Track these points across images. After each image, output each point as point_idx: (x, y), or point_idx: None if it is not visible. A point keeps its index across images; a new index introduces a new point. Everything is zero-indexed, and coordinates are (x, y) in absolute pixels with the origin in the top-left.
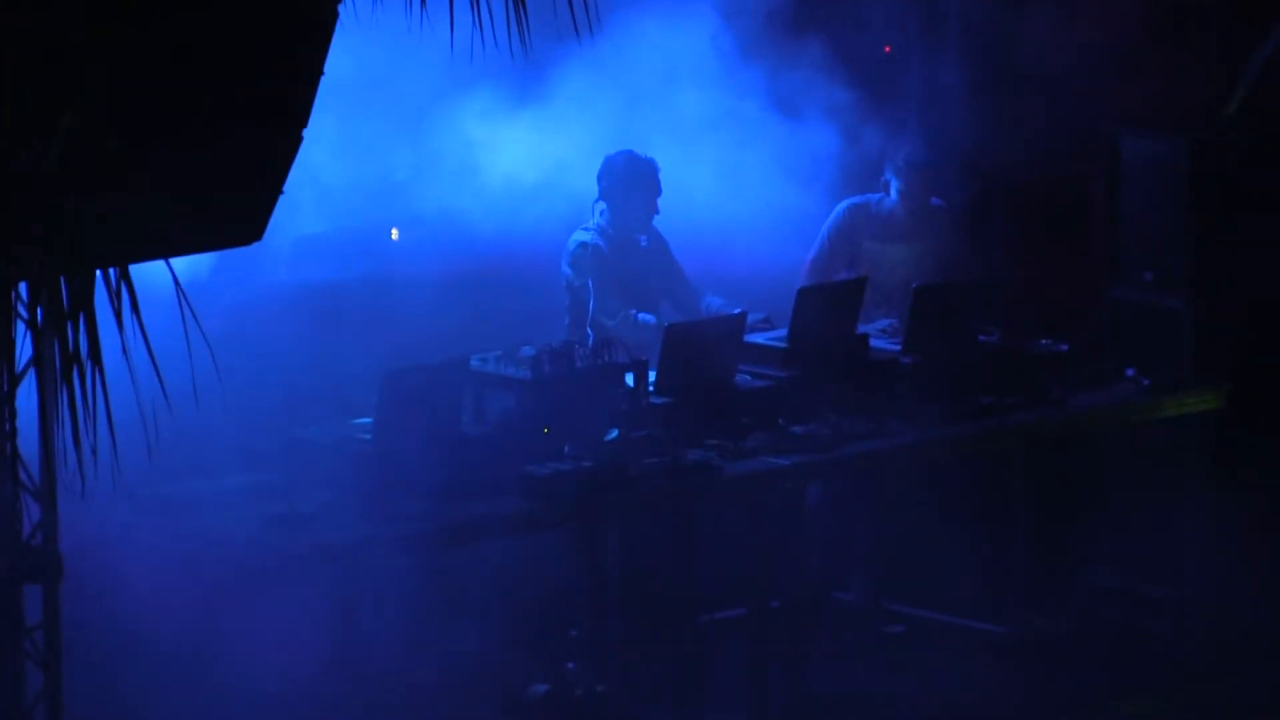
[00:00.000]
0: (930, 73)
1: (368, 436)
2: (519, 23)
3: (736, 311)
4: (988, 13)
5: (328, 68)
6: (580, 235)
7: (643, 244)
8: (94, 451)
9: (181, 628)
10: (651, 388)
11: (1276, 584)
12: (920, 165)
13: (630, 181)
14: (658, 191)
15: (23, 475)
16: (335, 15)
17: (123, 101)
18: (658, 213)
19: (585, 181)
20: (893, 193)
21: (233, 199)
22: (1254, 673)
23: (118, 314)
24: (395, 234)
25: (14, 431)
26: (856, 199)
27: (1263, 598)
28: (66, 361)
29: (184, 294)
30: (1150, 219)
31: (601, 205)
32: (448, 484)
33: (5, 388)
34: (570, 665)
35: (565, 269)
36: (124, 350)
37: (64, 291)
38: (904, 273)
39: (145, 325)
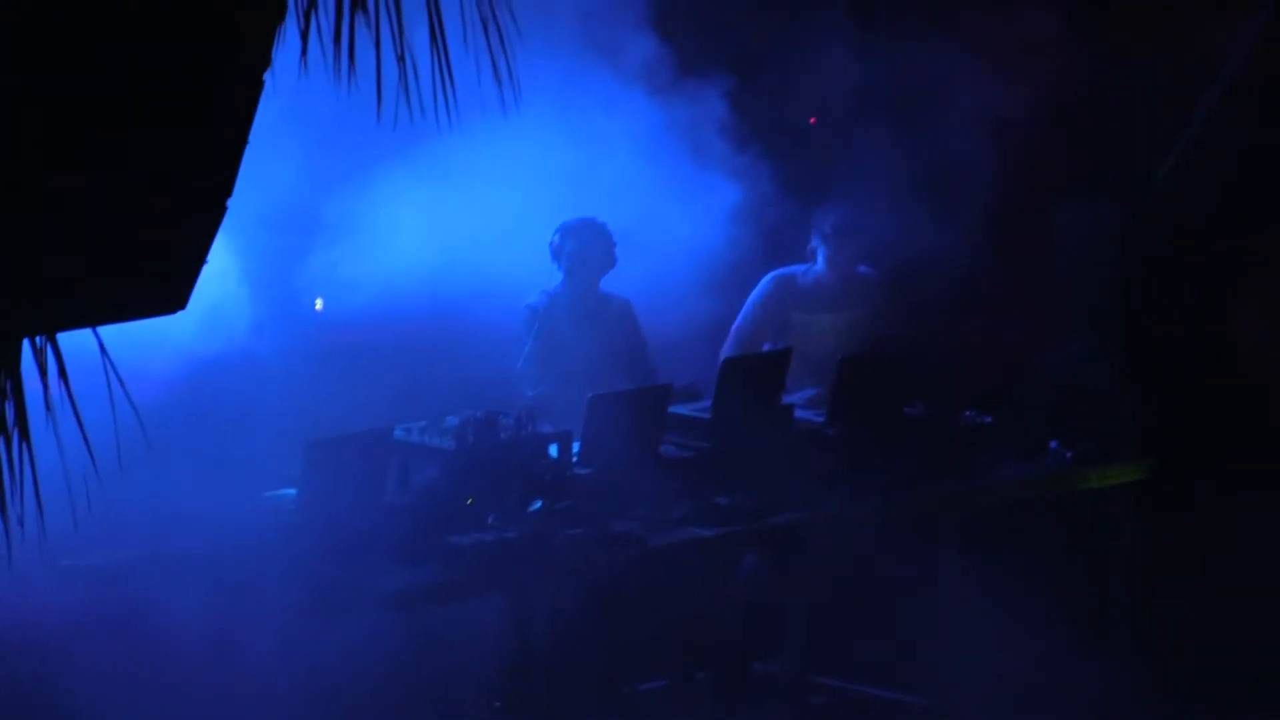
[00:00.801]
0: (858, 142)
1: (293, 506)
2: (445, 94)
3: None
4: (917, 82)
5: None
6: (529, 298)
7: (603, 311)
8: (20, 522)
9: (107, 699)
10: (575, 458)
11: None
12: (848, 232)
13: (579, 246)
14: (610, 255)
15: None
16: (261, 85)
17: (43, 168)
18: (612, 266)
19: (497, 255)
20: (820, 261)
21: (156, 269)
22: None
23: (44, 381)
24: (319, 304)
25: None
26: (782, 270)
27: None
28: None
29: (110, 362)
30: (1080, 289)
31: (556, 269)
32: (372, 553)
33: None
34: None
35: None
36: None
37: None
38: (831, 342)
39: (78, 392)
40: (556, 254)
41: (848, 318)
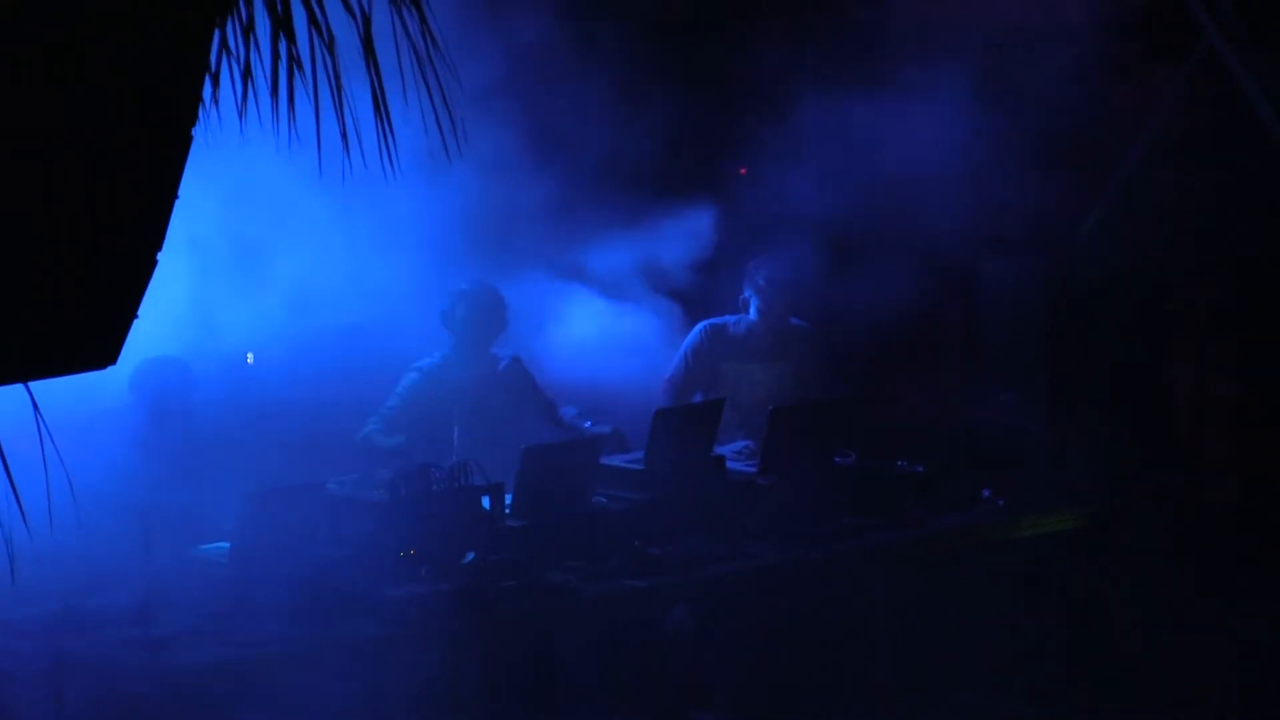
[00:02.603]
0: (789, 195)
1: (224, 560)
2: (387, 145)
3: (589, 424)
4: (846, 137)
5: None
6: (419, 362)
7: (492, 375)
8: None
9: None
10: (508, 510)
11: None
12: (780, 284)
13: (472, 311)
14: (502, 318)
15: None
16: (190, 139)
17: None
18: (504, 329)
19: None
20: (752, 311)
21: (87, 323)
22: None
23: None
24: (250, 358)
25: None
26: (715, 320)
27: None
28: None
29: (41, 417)
30: (1009, 340)
31: (448, 334)
32: (305, 606)
33: None
34: None
35: None
36: None
37: None
38: (763, 393)
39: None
40: (448, 319)
41: (779, 369)
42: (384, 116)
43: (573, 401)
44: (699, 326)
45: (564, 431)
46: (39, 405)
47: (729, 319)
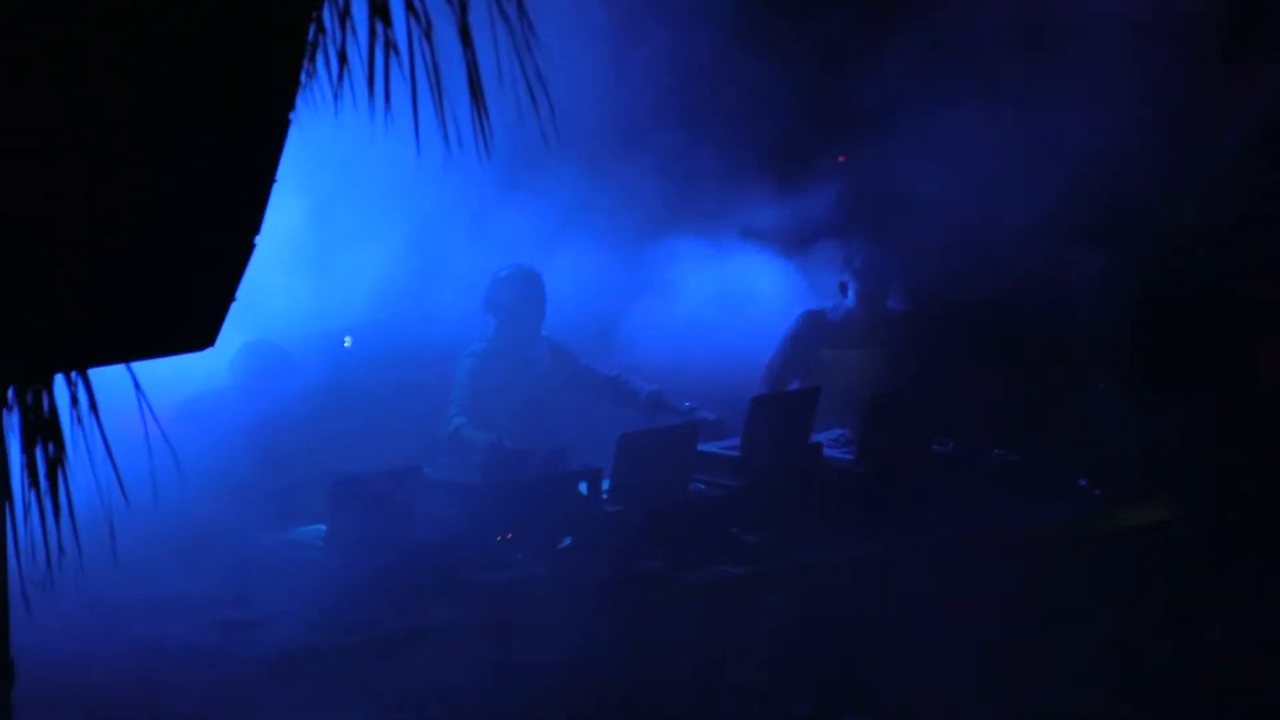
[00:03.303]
0: (884, 184)
1: (320, 544)
2: (482, 126)
3: (689, 405)
4: (934, 125)
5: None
6: (471, 348)
7: (537, 358)
8: (61, 550)
9: None
10: (605, 495)
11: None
12: (878, 267)
13: (512, 292)
14: (542, 302)
15: None
16: (288, 123)
17: (79, 208)
18: (544, 314)
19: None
20: (850, 295)
21: (185, 306)
22: None
23: (76, 415)
24: (348, 341)
25: None
26: (814, 307)
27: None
28: (30, 446)
29: (144, 397)
30: (1103, 330)
31: (491, 320)
32: (399, 591)
33: None
34: None
35: None
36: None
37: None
38: (859, 379)
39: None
40: (491, 305)
41: (876, 354)
42: (480, 104)
43: (657, 380)
44: (799, 313)
45: (645, 408)
46: (141, 386)
47: (827, 305)
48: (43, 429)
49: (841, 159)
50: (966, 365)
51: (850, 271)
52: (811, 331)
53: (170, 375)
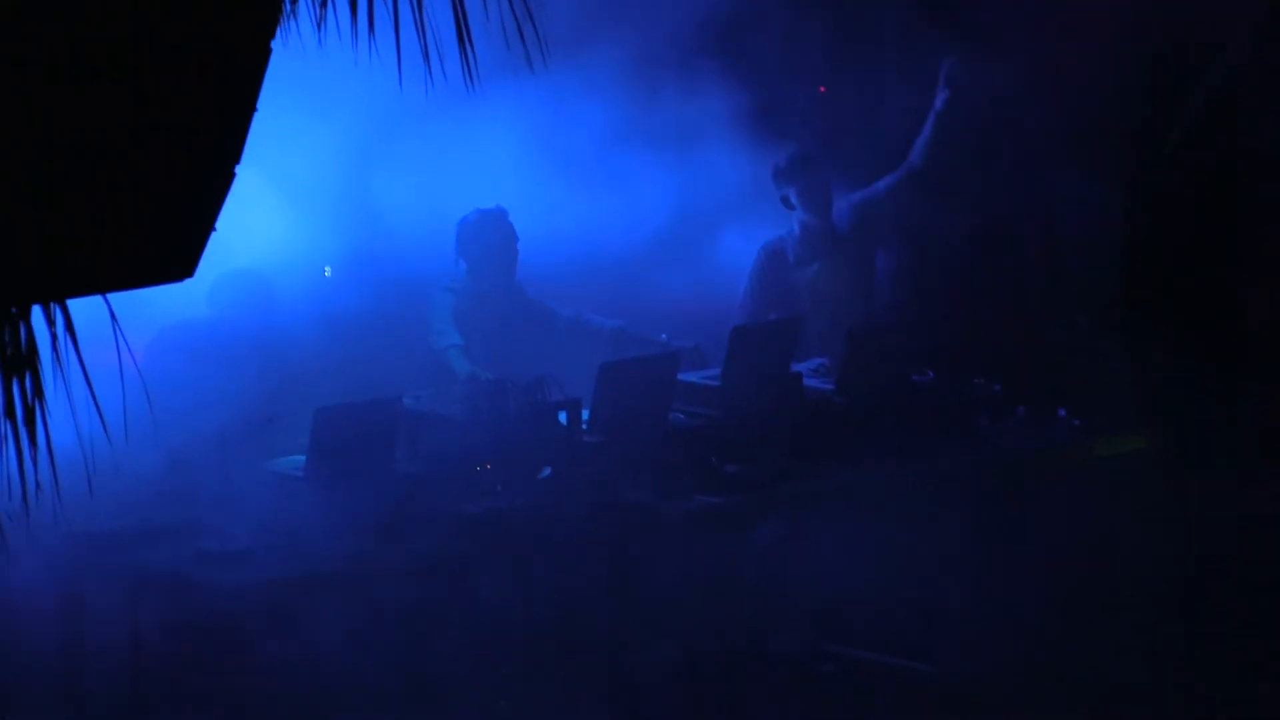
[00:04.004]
0: (870, 111)
1: (299, 474)
2: (466, 56)
3: (665, 338)
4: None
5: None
6: (445, 282)
7: (500, 298)
8: (38, 486)
9: (113, 665)
10: (585, 425)
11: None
12: (808, 166)
13: (484, 237)
14: (514, 240)
15: None
16: (269, 52)
17: (49, 133)
18: (516, 256)
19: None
20: (794, 203)
21: (164, 235)
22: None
23: (55, 346)
24: (329, 271)
25: None
26: (771, 239)
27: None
28: (7, 380)
29: (119, 328)
30: (1086, 262)
31: (462, 264)
32: (380, 522)
33: None
34: (501, 703)
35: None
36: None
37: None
38: (835, 288)
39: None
40: (463, 248)
41: (840, 259)
42: (464, 30)
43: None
44: (757, 250)
45: (610, 344)
46: (117, 317)
47: (781, 233)
48: (19, 361)
49: (822, 89)
50: (948, 294)
51: (787, 180)
52: (770, 261)
53: (147, 306)
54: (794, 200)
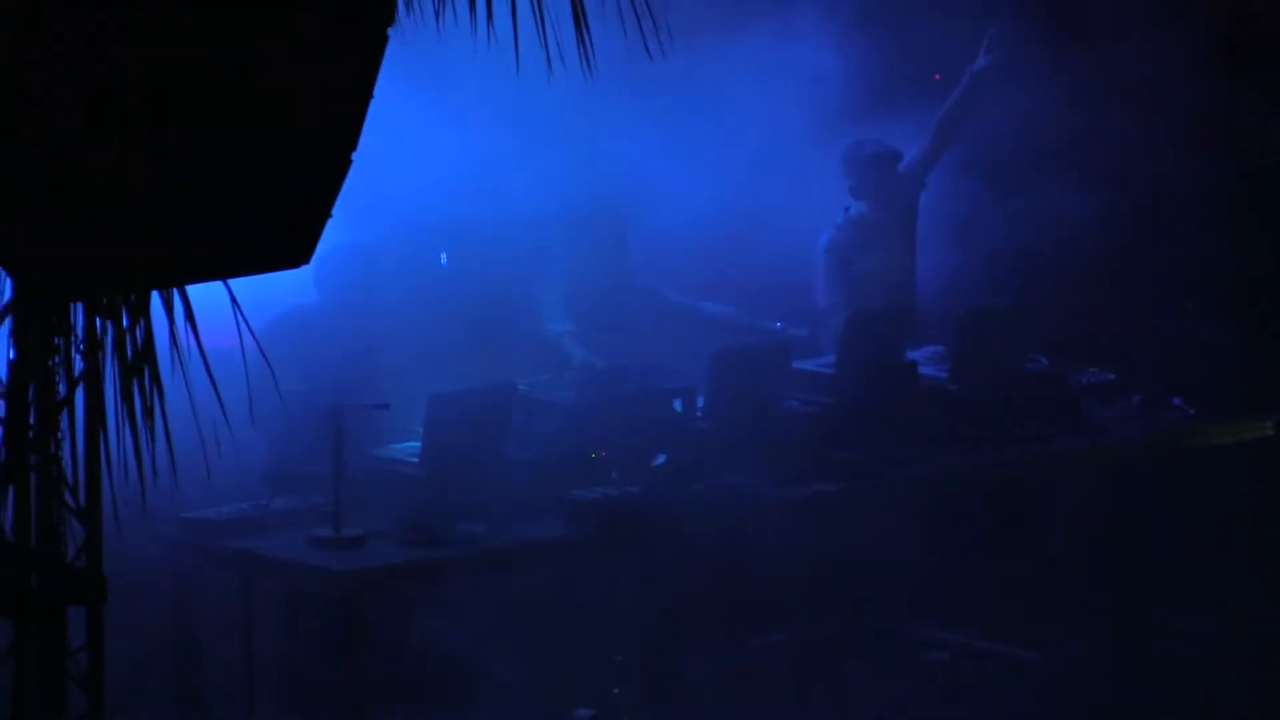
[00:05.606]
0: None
1: (414, 460)
2: (583, 43)
3: (779, 325)
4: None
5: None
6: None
7: (612, 286)
8: (154, 470)
9: (225, 651)
10: (699, 412)
11: None
12: (889, 163)
13: (591, 236)
14: (624, 230)
15: (67, 496)
16: (386, 39)
17: (172, 122)
18: (623, 243)
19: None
20: (860, 196)
21: (282, 223)
22: None
23: (172, 331)
24: (444, 258)
25: (60, 453)
26: (830, 235)
27: None
28: (127, 377)
29: (241, 313)
30: (1196, 246)
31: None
32: (494, 508)
33: (53, 411)
34: (615, 690)
35: None
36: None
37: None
38: (898, 268)
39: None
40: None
41: (894, 243)
42: (582, 18)
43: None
44: (818, 245)
45: (728, 328)
46: (238, 302)
47: (837, 223)
48: (138, 359)
49: (937, 77)
50: (1061, 287)
51: (851, 169)
52: (831, 256)
53: (256, 293)
54: (861, 194)
